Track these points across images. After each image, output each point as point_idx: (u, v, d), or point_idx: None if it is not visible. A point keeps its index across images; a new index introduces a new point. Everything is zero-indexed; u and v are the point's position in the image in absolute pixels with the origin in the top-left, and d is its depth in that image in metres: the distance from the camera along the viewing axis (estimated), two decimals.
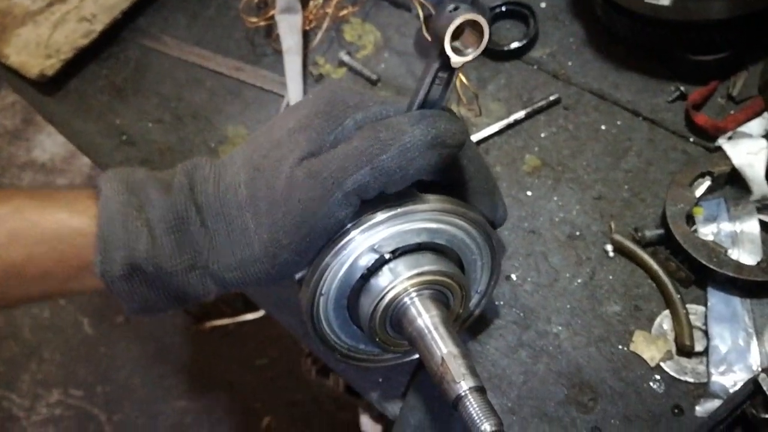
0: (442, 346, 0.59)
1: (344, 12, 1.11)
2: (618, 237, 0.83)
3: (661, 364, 0.76)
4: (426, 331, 0.60)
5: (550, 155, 0.93)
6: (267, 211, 0.59)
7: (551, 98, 0.96)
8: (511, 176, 0.92)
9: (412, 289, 0.62)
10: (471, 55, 0.54)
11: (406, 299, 0.62)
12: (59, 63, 1.13)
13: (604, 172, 0.90)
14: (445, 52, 0.53)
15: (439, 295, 0.64)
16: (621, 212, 0.86)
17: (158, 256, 0.59)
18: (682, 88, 0.94)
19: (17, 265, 0.60)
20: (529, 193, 0.90)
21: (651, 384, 0.75)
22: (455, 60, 0.54)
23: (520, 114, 0.96)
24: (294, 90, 1.04)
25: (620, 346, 0.78)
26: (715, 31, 0.89)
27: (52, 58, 1.13)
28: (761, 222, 0.81)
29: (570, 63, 1.01)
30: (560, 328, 0.80)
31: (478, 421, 0.54)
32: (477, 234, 0.66)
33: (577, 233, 0.86)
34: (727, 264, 0.77)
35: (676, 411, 0.73)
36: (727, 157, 0.84)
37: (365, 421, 1.87)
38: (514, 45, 1.02)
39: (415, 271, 0.62)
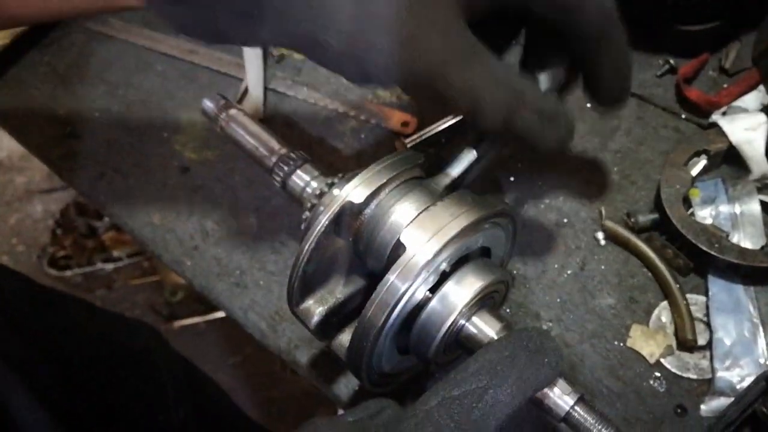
0: None
1: None
2: (609, 223, 0.77)
3: (662, 360, 0.70)
4: None
5: None
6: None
7: None
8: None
9: (475, 308, 0.56)
10: None
11: (466, 322, 0.56)
12: None
13: (591, 153, 0.83)
14: None
15: (492, 301, 0.59)
16: (611, 196, 0.80)
17: None
18: (671, 61, 0.87)
19: None
20: (511, 178, 0.83)
21: (651, 382, 0.69)
22: None
23: None
24: (253, 72, 0.95)
25: (616, 342, 0.71)
26: None
27: None
28: (762, 203, 0.75)
29: None
30: (550, 324, 0.73)
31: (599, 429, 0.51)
32: (508, 224, 0.63)
33: (565, 220, 0.79)
34: (728, 249, 0.71)
35: (679, 411, 0.67)
36: (722, 134, 0.78)
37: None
38: None
39: (477, 288, 0.56)
